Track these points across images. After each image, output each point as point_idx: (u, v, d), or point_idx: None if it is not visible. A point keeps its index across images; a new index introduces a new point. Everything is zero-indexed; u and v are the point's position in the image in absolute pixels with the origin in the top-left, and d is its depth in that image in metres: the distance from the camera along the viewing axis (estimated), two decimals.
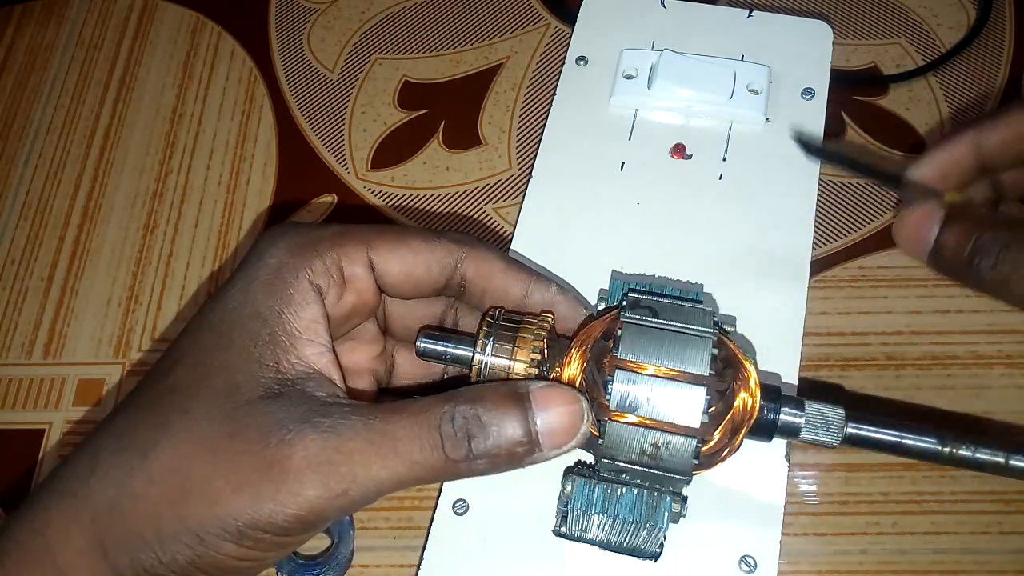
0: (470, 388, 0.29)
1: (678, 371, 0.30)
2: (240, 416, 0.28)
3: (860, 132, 0.49)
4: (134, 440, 0.29)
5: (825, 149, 0.40)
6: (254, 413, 0.28)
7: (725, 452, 0.32)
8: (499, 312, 0.33)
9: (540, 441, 0.29)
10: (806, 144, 0.40)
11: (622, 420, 0.30)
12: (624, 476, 0.32)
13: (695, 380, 0.30)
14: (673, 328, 0.31)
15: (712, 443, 0.31)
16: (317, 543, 0.39)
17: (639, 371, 0.30)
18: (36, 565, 0.28)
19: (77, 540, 0.28)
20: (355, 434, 0.28)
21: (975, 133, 0.35)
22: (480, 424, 0.28)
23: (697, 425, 0.30)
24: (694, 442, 0.30)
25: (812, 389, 0.40)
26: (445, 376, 0.38)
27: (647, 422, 0.30)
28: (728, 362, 0.32)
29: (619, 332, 0.31)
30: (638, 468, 0.31)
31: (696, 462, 0.31)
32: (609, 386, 0.31)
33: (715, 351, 0.31)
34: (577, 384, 0.32)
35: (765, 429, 0.32)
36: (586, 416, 0.30)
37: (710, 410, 0.31)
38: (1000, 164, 0.35)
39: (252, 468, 0.27)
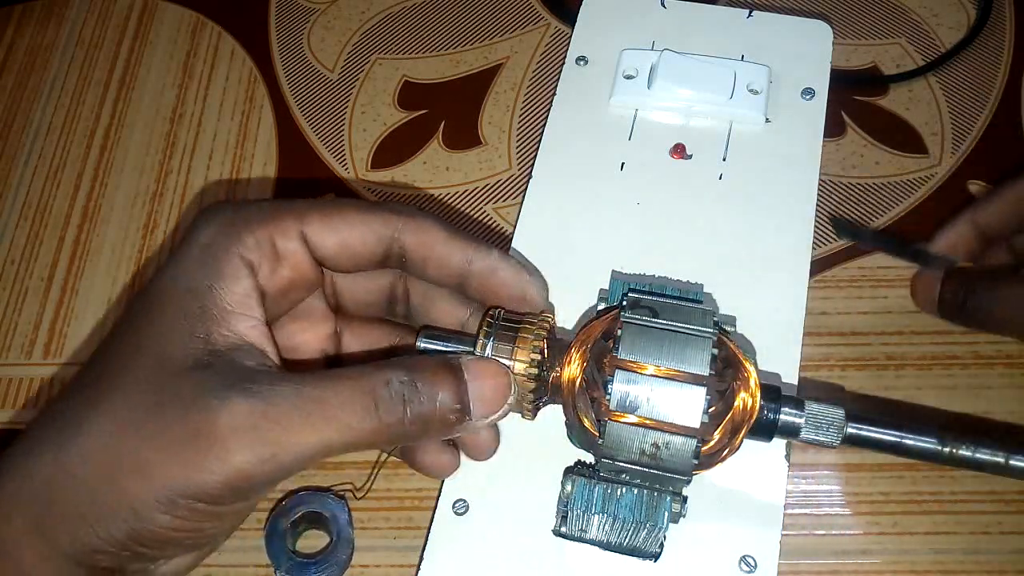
0: (406, 357, 0.30)
1: (678, 371, 0.30)
2: (167, 387, 0.28)
3: (860, 132, 0.49)
4: (69, 419, 0.29)
5: (860, 231, 0.45)
6: (181, 383, 0.28)
7: (725, 452, 0.32)
8: (499, 312, 0.33)
9: (471, 408, 0.30)
10: (844, 228, 0.44)
11: (622, 420, 0.30)
12: (624, 476, 0.32)
13: (695, 380, 0.30)
14: (673, 328, 0.31)
15: (712, 443, 0.31)
16: (316, 542, 0.39)
17: (639, 371, 0.30)
18: None
19: (17, 520, 0.28)
20: (283, 400, 0.28)
21: (972, 212, 0.40)
22: (415, 390, 0.29)
23: (697, 425, 0.30)
24: (694, 442, 0.30)
25: (812, 389, 0.41)
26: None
27: (647, 422, 0.30)
28: (728, 362, 0.32)
29: (619, 332, 0.31)
30: (638, 468, 0.31)
31: (696, 462, 0.31)
32: (609, 386, 0.31)
33: (715, 351, 0.31)
34: (577, 385, 0.32)
35: (765, 429, 0.32)
36: (513, 388, 0.31)
37: (710, 410, 0.31)
38: (1002, 232, 0.40)
39: (178, 438, 0.27)
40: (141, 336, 0.30)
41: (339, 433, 0.28)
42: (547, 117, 0.45)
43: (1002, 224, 0.40)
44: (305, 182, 0.50)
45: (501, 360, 0.32)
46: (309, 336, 0.36)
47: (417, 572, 0.35)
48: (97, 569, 0.28)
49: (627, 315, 0.32)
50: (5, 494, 0.29)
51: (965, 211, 0.40)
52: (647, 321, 0.31)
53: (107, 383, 0.29)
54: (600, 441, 0.31)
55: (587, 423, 0.32)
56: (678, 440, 0.30)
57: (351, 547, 0.38)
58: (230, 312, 0.30)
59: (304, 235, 0.32)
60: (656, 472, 0.31)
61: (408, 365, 0.30)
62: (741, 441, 0.32)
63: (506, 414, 0.32)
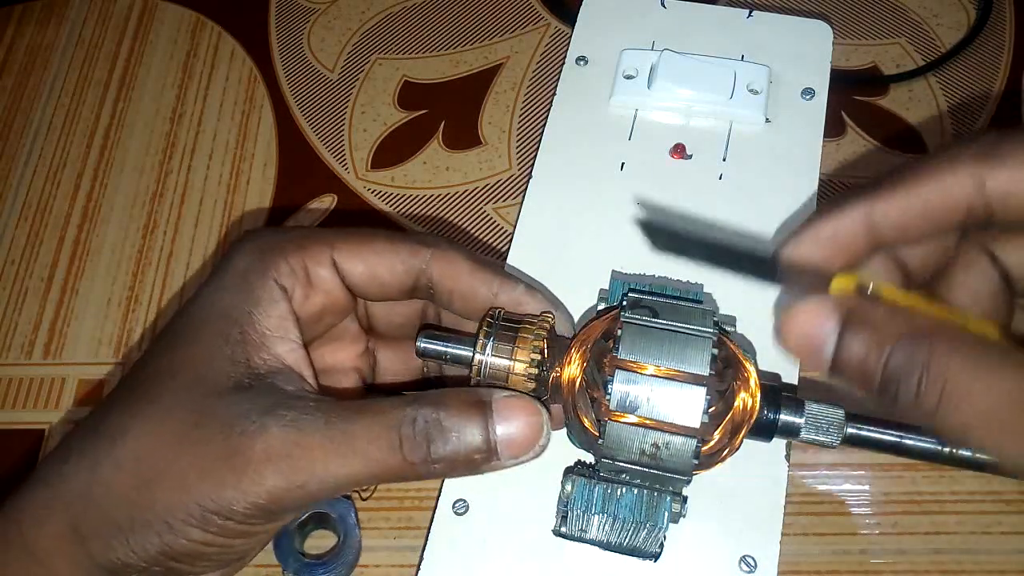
0: (434, 392, 0.30)
1: (678, 371, 0.30)
2: (207, 406, 0.29)
3: (860, 132, 0.49)
4: (104, 430, 0.30)
5: (676, 237, 0.32)
6: (220, 403, 0.29)
7: (725, 452, 0.32)
8: (499, 312, 0.33)
9: (498, 451, 0.29)
10: (653, 232, 0.32)
11: (622, 420, 0.30)
12: (624, 476, 0.32)
13: (695, 380, 0.30)
14: (673, 328, 0.31)
15: (712, 443, 0.31)
16: (322, 542, 0.39)
17: (639, 371, 0.30)
18: (10, 550, 0.29)
19: (51, 526, 0.28)
20: (315, 430, 0.28)
21: (868, 203, 0.29)
22: (441, 429, 0.29)
23: (697, 425, 0.30)
24: (694, 442, 0.30)
25: (812, 389, 0.41)
26: (426, 372, 0.38)
27: (647, 422, 0.30)
28: (728, 362, 0.32)
29: (619, 332, 0.31)
30: (638, 468, 0.31)
31: (696, 462, 0.31)
32: (609, 386, 0.31)
33: (715, 351, 0.31)
34: (577, 385, 0.32)
35: (765, 429, 0.32)
36: (545, 430, 0.30)
37: (710, 410, 0.31)
38: (897, 239, 0.29)
39: (215, 456, 0.28)
40: (181, 357, 0.30)
41: (365, 467, 0.28)
42: (547, 117, 0.45)
43: (906, 227, 0.28)
44: (310, 187, 0.50)
45: (501, 360, 0.32)
46: (343, 356, 0.36)
47: (417, 572, 0.35)
48: None
49: (627, 315, 0.32)
50: (40, 500, 0.29)
51: (856, 199, 0.29)
52: (647, 321, 0.31)
53: (146, 398, 0.30)
54: (600, 441, 0.31)
55: (587, 423, 0.32)
56: (678, 440, 0.30)
57: (358, 547, 0.38)
58: (269, 337, 0.31)
59: (335, 262, 0.33)
60: (656, 472, 0.31)
61: (434, 401, 0.29)
62: (741, 441, 0.32)
63: (539, 455, 0.30)
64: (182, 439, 0.29)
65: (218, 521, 0.28)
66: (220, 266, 0.33)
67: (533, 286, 0.35)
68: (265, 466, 0.28)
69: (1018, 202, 0.27)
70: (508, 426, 0.29)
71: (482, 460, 0.29)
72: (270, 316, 0.31)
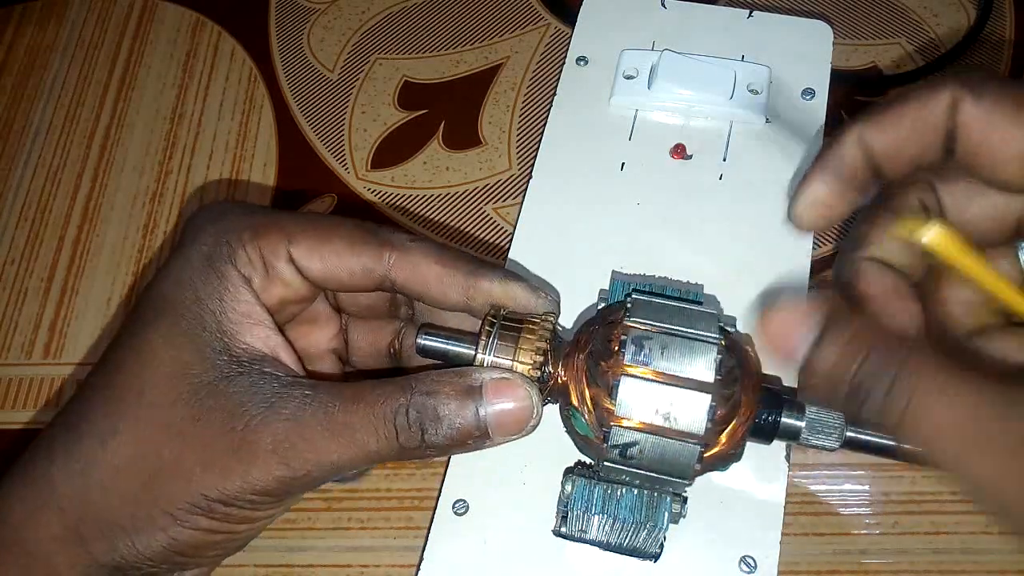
0: (426, 378, 0.30)
1: (683, 376, 0.30)
2: (202, 399, 0.29)
3: None
4: (89, 429, 0.29)
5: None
6: (215, 396, 0.29)
7: (729, 455, 0.32)
8: (500, 311, 0.33)
9: (491, 432, 0.30)
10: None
11: (626, 425, 0.30)
12: (624, 477, 0.32)
13: (700, 386, 0.30)
14: (678, 333, 0.31)
15: (715, 449, 0.31)
16: None
17: (644, 376, 0.30)
18: (8, 551, 0.29)
19: (48, 529, 0.28)
20: (316, 422, 0.29)
21: (860, 128, 0.29)
22: (435, 417, 0.29)
23: (701, 432, 0.30)
24: (697, 448, 0.30)
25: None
26: (396, 348, 0.37)
27: (651, 427, 0.30)
28: (732, 367, 0.32)
29: (624, 336, 0.31)
30: (640, 472, 0.31)
31: (698, 467, 0.31)
32: (614, 391, 0.30)
33: (720, 356, 0.31)
34: (579, 386, 0.32)
35: (765, 433, 0.32)
36: (536, 409, 0.31)
37: (715, 416, 0.31)
38: (893, 165, 0.30)
39: (222, 449, 0.29)
40: (159, 347, 0.30)
41: (364, 455, 0.29)
42: (547, 117, 0.45)
43: (897, 148, 0.29)
44: (310, 187, 0.50)
45: (504, 361, 0.32)
46: (318, 338, 0.36)
47: (417, 572, 0.35)
48: None
49: (632, 319, 0.32)
50: (30, 502, 0.29)
51: (851, 127, 0.29)
52: (652, 325, 0.31)
53: (128, 392, 0.30)
54: (603, 445, 0.31)
55: (590, 426, 0.32)
56: (681, 445, 0.30)
57: None
58: (244, 323, 0.31)
59: (291, 257, 0.32)
60: (657, 476, 0.31)
61: (427, 389, 0.30)
62: (743, 447, 0.31)
63: (531, 432, 0.31)
64: (182, 433, 0.29)
65: (225, 510, 0.29)
66: (181, 246, 0.32)
67: (510, 277, 0.33)
68: (272, 456, 0.28)
69: (979, 139, 0.28)
70: (499, 408, 0.30)
71: (475, 442, 0.30)
72: (241, 303, 0.31)
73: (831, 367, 0.26)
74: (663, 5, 0.49)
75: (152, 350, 0.30)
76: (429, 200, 0.49)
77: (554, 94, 0.46)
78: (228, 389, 0.29)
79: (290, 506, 0.32)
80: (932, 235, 0.26)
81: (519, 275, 0.34)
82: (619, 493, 0.32)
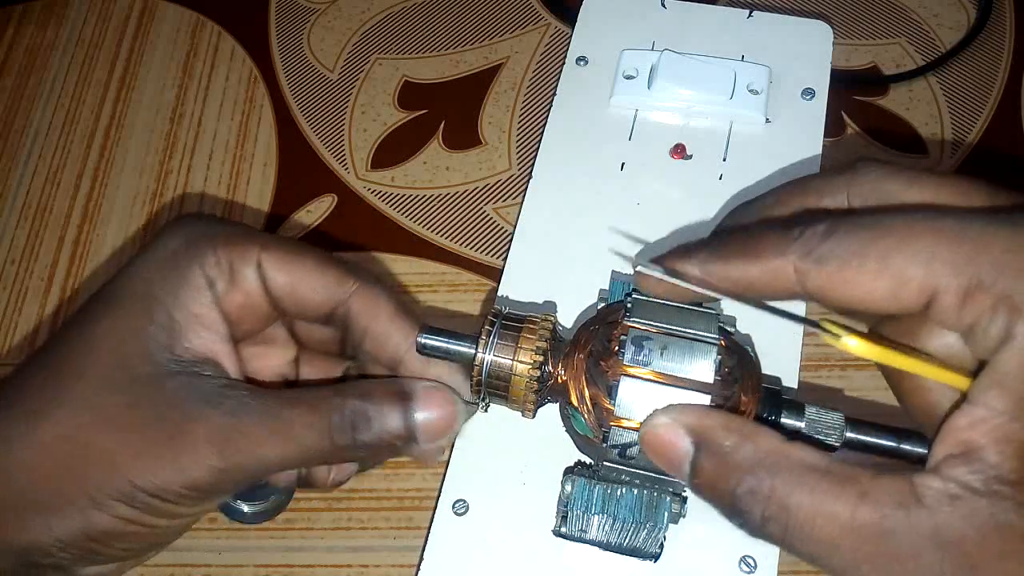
0: (361, 383, 0.31)
1: (683, 377, 0.30)
2: (139, 389, 0.29)
3: (860, 132, 0.49)
4: (21, 408, 0.29)
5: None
6: (154, 387, 0.29)
7: None
8: (501, 311, 0.33)
9: (418, 436, 0.31)
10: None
11: (626, 426, 0.30)
12: (624, 477, 0.32)
13: (700, 387, 0.30)
14: (678, 333, 0.31)
15: None
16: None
17: (643, 376, 0.30)
18: None
19: None
20: (254, 417, 0.29)
21: (707, 258, 0.28)
22: (365, 418, 0.30)
23: None
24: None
25: (812, 391, 0.41)
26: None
27: None
28: (731, 367, 0.32)
29: (623, 336, 0.31)
30: (640, 472, 0.31)
31: None
32: (614, 391, 0.30)
33: (719, 357, 0.31)
34: (578, 387, 0.32)
35: None
36: (461, 417, 0.32)
37: None
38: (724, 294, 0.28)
39: (155, 437, 0.29)
40: (104, 333, 0.30)
41: (298, 452, 0.30)
42: (547, 117, 0.45)
43: (744, 289, 0.28)
44: (310, 187, 0.50)
45: (504, 360, 0.32)
46: (270, 361, 0.36)
47: (417, 572, 0.35)
48: (42, 567, 0.29)
49: (631, 319, 0.32)
50: None
51: (698, 250, 0.29)
52: (651, 325, 0.31)
53: (69, 376, 0.30)
54: (604, 445, 0.31)
55: (589, 426, 0.32)
56: None
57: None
58: (193, 323, 0.31)
59: (261, 265, 0.33)
60: (657, 476, 0.31)
61: (361, 392, 0.31)
62: None
63: (453, 439, 0.33)
64: (115, 419, 0.29)
65: (147, 500, 0.28)
66: (149, 246, 0.32)
67: (435, 353, 0.33)
68: (207, 446, 0.29)
69: (837, 296, 0.27)
70: (427, 414, 0.31)
71: (403, 445, 0.31)
72: (197, 302, 0.31)
73: (712, 484, 0.27)
74: (663, 5, 0.49)
75: (96, 337, 0.30)
76: (429, 200, 0.49)
77: (554, 94, 0.46)
78: (165, 384, 0.29)
79: (209, 510, 0.32)
80: (855, 345, 0.27)
81: (449, 356, 0.33)
82: (619, 493, 0.32)
